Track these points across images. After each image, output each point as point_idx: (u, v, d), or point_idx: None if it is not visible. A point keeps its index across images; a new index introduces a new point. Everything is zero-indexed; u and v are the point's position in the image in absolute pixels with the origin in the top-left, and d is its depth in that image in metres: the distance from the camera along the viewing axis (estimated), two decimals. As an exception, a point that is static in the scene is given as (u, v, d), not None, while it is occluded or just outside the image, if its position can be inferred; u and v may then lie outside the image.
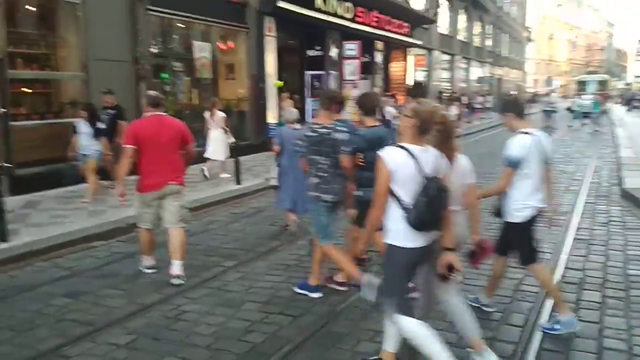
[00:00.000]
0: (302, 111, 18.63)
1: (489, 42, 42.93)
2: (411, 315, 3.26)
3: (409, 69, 26.95)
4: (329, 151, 4.66)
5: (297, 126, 7.13)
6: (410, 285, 3.64)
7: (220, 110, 11.38)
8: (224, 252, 6.45)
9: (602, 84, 40.74)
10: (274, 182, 7.10)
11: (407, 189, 3.14)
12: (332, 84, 18.96)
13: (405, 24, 24.16)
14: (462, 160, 3.66)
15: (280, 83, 15.65)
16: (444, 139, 3.38)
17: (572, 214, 7.97)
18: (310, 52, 18.81)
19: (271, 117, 15.64)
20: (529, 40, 62.52)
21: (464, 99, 27.13)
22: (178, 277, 5.35)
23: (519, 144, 4.05)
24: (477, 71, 40.38)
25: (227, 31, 15.22)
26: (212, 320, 4.49)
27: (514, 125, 4.25)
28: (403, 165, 3.13)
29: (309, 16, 16.65)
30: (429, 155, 3.20)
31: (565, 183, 10.63)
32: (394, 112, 16.78)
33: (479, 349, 3.53)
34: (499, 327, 4.27)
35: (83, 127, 8.96)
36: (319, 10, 17.23)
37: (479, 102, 29.93)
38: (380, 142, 3.80)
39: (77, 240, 6.86)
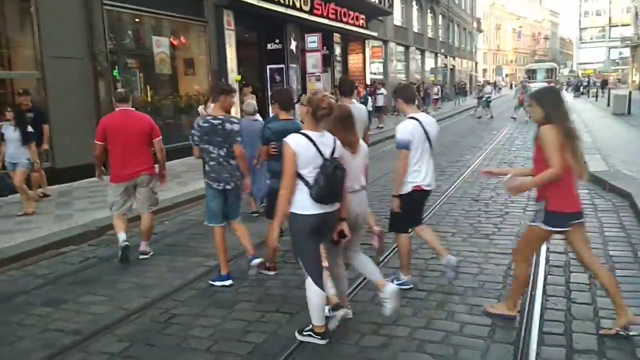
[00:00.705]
0: (263, 105, 18.44)
1: (441, 33, 43.61)
2: (317, 280, 3.79)
3: (367, 61, 27.08)
4: (220, 141, 5.02)
5: (257, 117, 7.56)
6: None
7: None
8: (204, 252, 6.27)
9: (550, 71, 42.27)
10: None
11: (308, 169, 3.64)
12: (294, 77, 18.84)
13: (362, 16, 24.23)
14: (364, 146, 4.14)
15: (239, 77, 15.40)
16: (342, 125, 3.91)
17: (543, 198, 8.12)
18: (270, 46, 18.60)
19: (233, 112, 15.36)
20: (479, 30, 63.88)
21: (422, 90, 27.41)
22: (143, 252, 6.10)
23: (404, 128, 4.61)
24: (430, 62, 40.97)
25: (185, 25, 14.86)
26: (206, 322, 4.33)
27: (404, 110, 4.80)
28: (304, 148, 3.63)
29: (267, 9, 16.46)
30: (325, 139, 3.74)
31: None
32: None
33: (382, 287, 4.03)
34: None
35: (10, 132, 7.90)
36: (277, 3, 17.05)
37: (434, 92, 30.32)
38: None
39: (47, 247, 6.52)
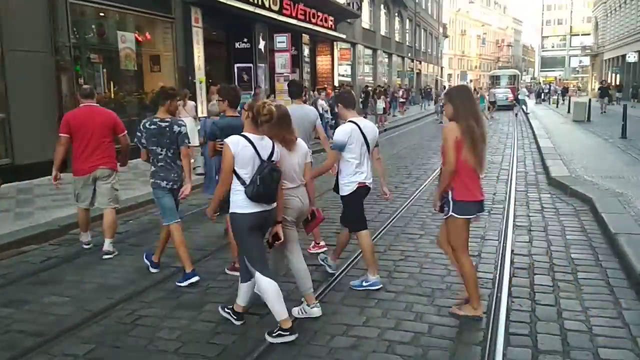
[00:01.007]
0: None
1: (408, 37, 44.11)
2: (265, 273, 3.97)
3: (335, 63, 27.18)
4: (167, 142, 5.18)
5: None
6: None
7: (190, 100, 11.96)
8: (171, 252, 6.10)
9: (513, 78, 43.87)
10: (199, 170, 8.03)
11: (246, 169, 3.84)
12: (262, 76, 18.76)
13: (330, 18, 24.31)
14: (301, 144, 4.35)
15: (203, 78, 15.22)
16: (279, 124, 4.05)
17: (507, 202, 8.30)
18: (238, 45, 18.47)
19: (200, 111, 15.20)
20: (445, 36, 64.87)
21: (389, 93, 27.64)
22: (107, 252, 6.00)
23: (342, 131, 4.89)
24: (397, 65, 41.40)
25: (151, 21, 14.62)
26: (173, 324, 4.26)
27: (344, 115, 5.08)
28: (243, 149, 3.85)
29: (235, 7, 16.34)
30: (264, 143, 3.95)
31: (495, 173, 11.09)
32: (325, 106, 16.88)
33: (310, 302, 4.31)
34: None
35: None
36: (246, 2, 16.94)
37: (402, 96, 30.64)
38: (234, 132, 4.15)
39: (6, 246, 6.30)
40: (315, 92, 18.28)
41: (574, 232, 6.63)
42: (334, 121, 18.21)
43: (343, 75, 29.18)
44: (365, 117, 22.79)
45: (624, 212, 6.97)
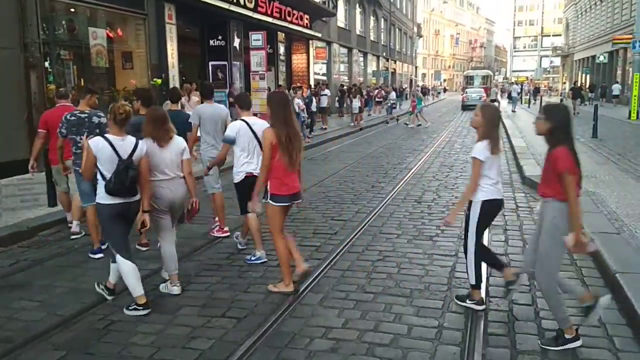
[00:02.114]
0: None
1: (383, 37, 44.28)
2: (124, 255, 4.50)
3: (311, 61, 27.12)
4: (86, 132, 5.81)
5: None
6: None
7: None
8: (144, 255, 6.03)
9: (485, 78, 45.51)
10: None
11: (106, 167, 4.38)
12: (237, 74, 18.59)
13: (306, 16, 24.22)
14: (177, 142, 4.88)
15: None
16: (155, 127, 4.71)
17: (483, 201, 8.34)
18: (213, 42, 18.25)
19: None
20: (419, 35, 65.33)
21: (365, 93, 27.67)
22: (74, 233, 6.67)
23: (232, 127, 5.66)
24: (372, 65, 41.52)
25: (123, 17, 14.32)
26: (148, 329, 4.15)
27: (239, 114, 5.79)
28: (102, 149, 4.38)
29: (209, 4, 16.12)
30: (124, 143, 4.46)
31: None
32: (302, 105, 16.81)
33: (173, 281, 4.89)
34: (443, 315, 4.33)
35: None
36: (220, -2, 16.74)
37: (377, 95, 30.71)
38: (139, 129, 4.84)
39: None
40: (292, 91, 18.17)
41: (548, 231, 6.68)
42: (309, 120, 18.17)
43: (319, 74, 29.13)
44: (341, 116, 22.72)
45: (597, 211, 7.07)
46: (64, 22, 12.84)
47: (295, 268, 4.85)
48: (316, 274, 5.22)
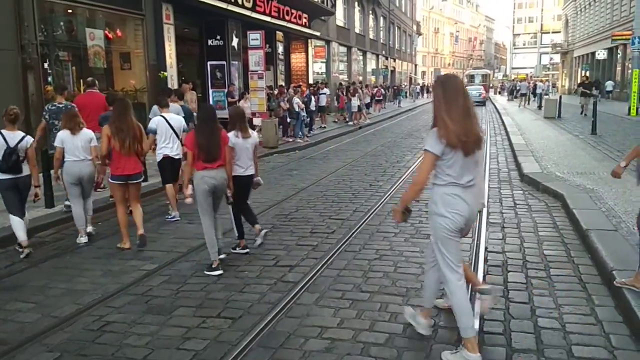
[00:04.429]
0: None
1: (382, 35, 44.22)
2: (15, 213, 6.07)
3: (310, 60, 27.09)
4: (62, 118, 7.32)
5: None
6: None
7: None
8: (140, 255, 6.03)
9: (485, 77, 50.09)
10: None
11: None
12: (235, 74, 18.56)
13: (305, 15, 24.18)
14: (86, 133, 6.55)
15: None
16: (69, 121, 6.51)
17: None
18: (211, 42, 18.23)
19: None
20: (418, 33, 65.24)
21: (366, 91, 27.58)
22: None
23: (152, 121, 7.53)
24: (372, 63, 41.47)
25: (121, 18, 14.31)
26: (142, 330, 4.13)
27: (160, 111, 7.65)
28: (1, 146, 5.83)
29: (207, 3, 16.10)
30: (13, 135, 5.96)
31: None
32: (301, 104, 16.79)
33: (82, 233, 6.58)
34: (439, 314, 4.30)
35: None
36: (218, -2, 16.72)
37: (377, 93, 30.67)
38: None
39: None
40: (291, 90, 18.14)
41: (546, 228, 6.67)
42: (308, 119, 18.15)
43: (318, 73, 29.10)
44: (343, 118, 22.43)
45: (595, 208, 7.04)
46: (62, 23, 12.82)
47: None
48: (312, 274, 5.20)
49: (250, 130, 5.97)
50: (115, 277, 5.31)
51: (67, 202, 7.30)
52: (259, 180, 6.23)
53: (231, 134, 5.75)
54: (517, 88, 39.77)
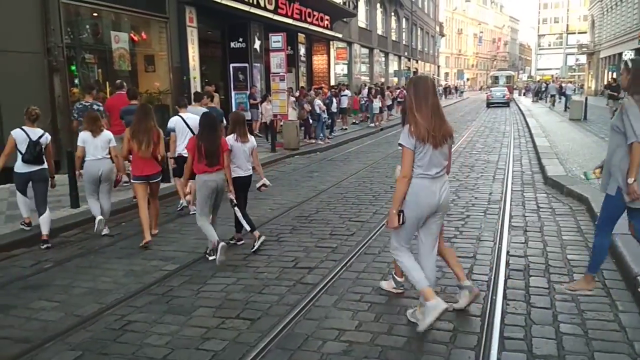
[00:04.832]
0: (227, 103, 18.24)
1: (404, 36, 44.05)
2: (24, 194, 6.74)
3: (332, 62, 27.11)
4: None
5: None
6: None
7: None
8: (162, 255, 6.10)
9: (509, 78, 50.85)
10: None
11: (21, 146, 6.44)
12: (257, 76, 18.68)
13: (326, 17, 24.23)
14: (105, 134, 7.03)
15: (193, 76, 15.15)
16: (89, 124, 7.04)
17: (503, 202, 8.23)
18: (233, 44, 18.39)
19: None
20: (441, 34, 64.82)
21: (388, 93, 27.49)
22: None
23: (170, 120, 7.95)
24: (394, 64, 41.33)
25: (146, 21, 14.53)
26: (163, 330, 4.18)
27: (179, 110, 8.03)
28: (18, 136, 6.47)
29: (230, 6, 16.26)
30: (35, 130, 6.58)
31: (491, 172, 11.03)
32: (322, 106, 16.82)
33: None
34: (458, 318, 4.27)
35: None
36: (240, 1, 16.86)
37: (399, 95, 30.50)
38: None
39: (-5, 249, 6.23)
40: (312, 92, 18.19)
41: (570, 232, 6.57)
42: (330, 120, 18.16)
43: (340, 75, 29.10)
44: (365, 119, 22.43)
45: (620, 212, 6.90)
46: (88, 26, 13.07)
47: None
48: (331, 276, 5.20)
49: (248, 135, 6.33)
50: (138, 277, 5.39)
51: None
52: (265, 182, 6.62)
53: (230, 137, 6.14)
54: (543, 89, 39.28)
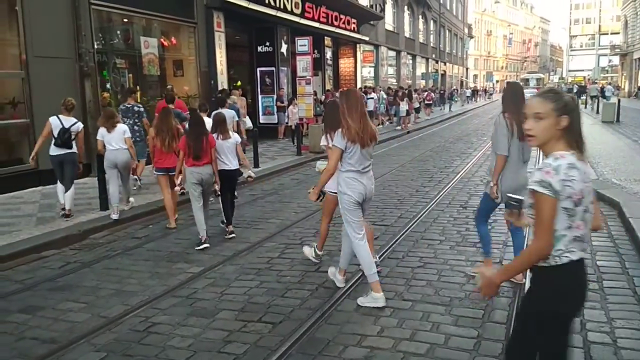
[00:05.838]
0: (254, 106, 18.36)
1: (432, 39, 43.73)
2: (62, 183, 7.67)
3: (358, 65, 27.07)
4: (130, 116, 9.63)
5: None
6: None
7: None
8: (188, 258, 6.16)
9: (539, 80, 53.22)
10: None
11: (55, 131, 7.47)
12: (284, 79, 18.77)
13: (353, 20, 24.21)
14: (120, 128, 7.82)
15: (239, 83, 15.39)
16: (106, 120, 7.83)
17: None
18: (260, 48, 18.52)
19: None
20: (470, 36, 64.15)
21: (416, 96, 27.32)
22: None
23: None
24: (421, 67, 41.06)
25: (175, 26, 14.74)
26: (186, 332, 4.22)
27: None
28: (54, 121, 7.52)
29: (257, 11, 16.38)
30: (69, 119, 7.63)
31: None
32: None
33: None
34: (483, 325, 4.20)
35: None
36: (268, 5, 16.98)
37: (427, 97, 30.31)
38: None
39: (27, 251, 6.38)
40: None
41: (600, 238, 6.40)
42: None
43: (366, 78, 29.05)
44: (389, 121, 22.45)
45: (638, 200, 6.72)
46: (118, 32, 13.32)
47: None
48: (354, 280, 5.18)
49: (230, 132, 7.06)
50: (163, 279, 5.45)
51: (120, 207, 7.88)
52: (251, 173, 7.61)
53: (213, 136, 6.88)
54: (575, 91, 38.52)
